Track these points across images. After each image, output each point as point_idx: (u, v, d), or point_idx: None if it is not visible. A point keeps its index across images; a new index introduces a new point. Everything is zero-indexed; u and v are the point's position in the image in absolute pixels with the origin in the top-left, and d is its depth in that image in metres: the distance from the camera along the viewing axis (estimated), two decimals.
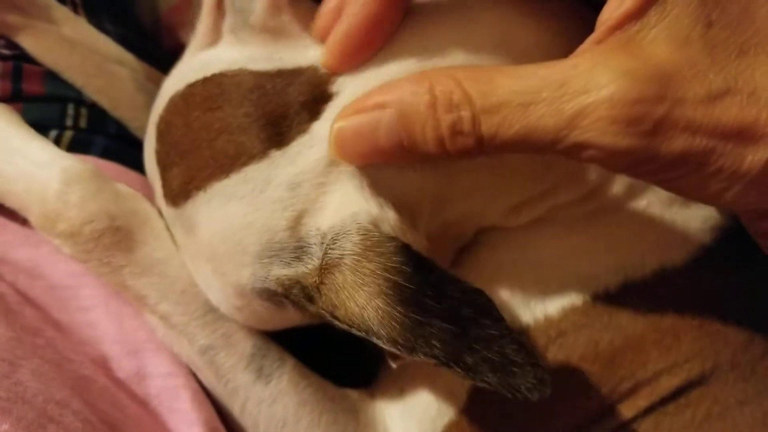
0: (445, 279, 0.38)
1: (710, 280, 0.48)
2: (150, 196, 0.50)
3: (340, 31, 0.41)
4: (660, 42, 0.37)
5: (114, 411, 0.44)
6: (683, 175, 0.38)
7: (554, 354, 0.48)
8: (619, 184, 0.47)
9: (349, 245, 0.39)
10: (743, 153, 0.36)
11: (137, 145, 0.61)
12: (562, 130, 0.36)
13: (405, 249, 0.39)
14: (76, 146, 0.56)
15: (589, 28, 0.39)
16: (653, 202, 0.48)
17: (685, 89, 0.36)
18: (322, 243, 0.41)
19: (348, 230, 0.40)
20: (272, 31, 0.43)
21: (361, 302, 0.38)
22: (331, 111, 0.42)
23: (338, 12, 0.41)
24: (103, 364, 0.47)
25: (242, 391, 0.49)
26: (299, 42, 0.44)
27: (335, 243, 0.40)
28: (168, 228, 0.49)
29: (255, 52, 0.44)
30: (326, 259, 0.40)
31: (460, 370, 0.37)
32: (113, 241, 0.47)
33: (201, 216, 0.43)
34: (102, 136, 0.59)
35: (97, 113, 0.60)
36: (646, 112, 0.35)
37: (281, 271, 0.42)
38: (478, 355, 0.36)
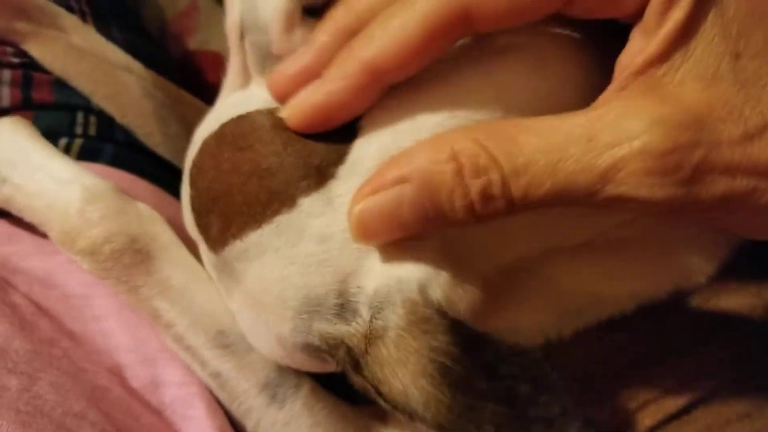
0: (500, 356, 0.35)
1: (722, 301, 0.48)
2: (163, 208, 0.50)
3: (313, 98, 0.38)
4: (688, 83, 0.35)
5: (130, 420, 0.44)
6: (727, 215, 0.36)
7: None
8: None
9: (393, 318, 0.36)
10: None
11: (145, 153, 0.62)
12: (596, 185, 0.35)
13: (454, 327, 0.36)
14: (85, 154, 0.56)
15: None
16: (675, 228, 0.47)
17: (720, 131, 0.35)
18: (369, 305, 0.38)
19: (392, 300, 0.37)
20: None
21: (405, 381, 0.35)
22: (356, 151, 0.39)
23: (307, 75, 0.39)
24: (117, 373, 0.47)
25: (255, 413, 0.48)
26: None
27: (380, 312, 0.37)
28: (208, 270, 0.47)
29: None
30: (371, 326, 0.37)
31: None
32: (133, 262, 0.47)
33: (242, 264, 0.41)
34: (111, 144, 0.59)
35: (106, 121, 0.61)
36: (682, 160, 0.34)
37: (324, 328, 0.39)
38: (534, 429, 0.34)
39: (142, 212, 0.49)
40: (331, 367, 0.41)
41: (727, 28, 0.35)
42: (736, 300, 0.49)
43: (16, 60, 0.58)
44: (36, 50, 0.59)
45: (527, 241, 0.43)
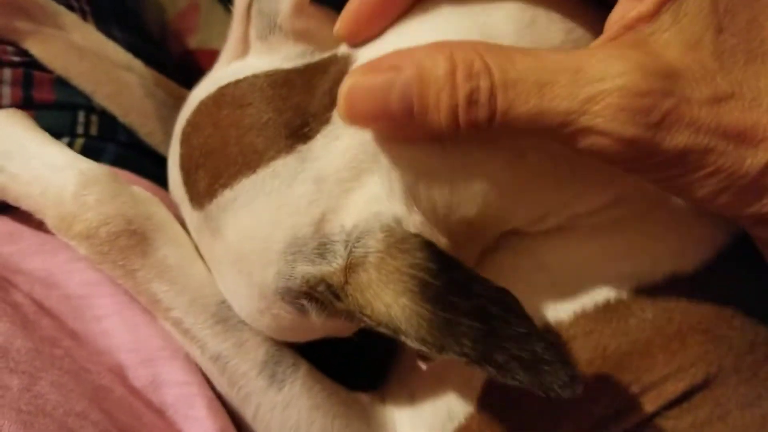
0: (471, 277, 0.38)
1: (719, 287, 0.49)
2: (163, 201, 0.50)
3: (354, 1, 0.42)
4: (672, 44, 0.38)
5: (131, 420, 0.44)
6: (682, 174, 0.38)
7: None
8: (639, 194, 0.47)
9: (373, 242, 0.39)
10: (743, 155, 0.37)
11: (148, 153, 0.62)
12: (573, 114, 0.37)
13: (429, 246, 0.39)
14: (87, 153, 0.56)
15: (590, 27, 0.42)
16: (670, 211, 0.48)
17: (692, 88, 0.37)
18: (347, 241, 0.40)
19: (371, 228, 0.40)
20: (299, 34, 0.44)
21: (387, 301, 0.38)
22: None
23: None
24: (119, 373, 0.47)
25: (255, 397, 0.49)
26: (326, 41, 0.44)
27: (359, 241, 0.40)
28: (189, 234, 0.49)
29: (286, 52, 0.44)
30: (351, 257, 0.40)
31: (492, 369, 0.36)
32: (128, 244, 0.47)
33: (227, 215, 0.43)
34: (113, 144, 0.59)
35: (108, 120, 0.61)
36: (654, 105, 0.36)
37: (306, 269, 0.41)
38: (508, 353, 0.36)
39: (137, 194, 0.49)
40: (309, 321, 0.43)
41: (716, 4, 0.38)
42: (732, 286, 0.49)
43: (16, 59, 0.58)
44: (37, 49, 0.58)
45: (496, 203, 0.44)
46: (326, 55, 0.44)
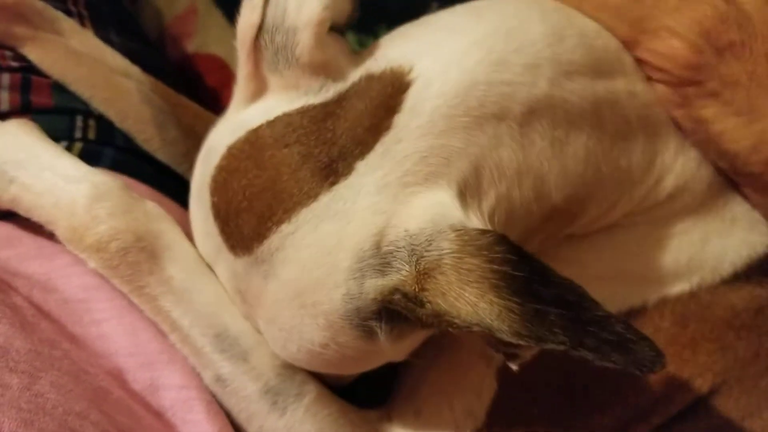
0: (545, 266, 0.38)
1: (732, 299, 0.49)
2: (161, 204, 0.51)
3: None
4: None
5: (131, 422, 0.45)
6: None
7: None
8: (681, 201, 0.49)
9: (446, 244, 0.38)
10: None
11: (145, 157, 0.62)
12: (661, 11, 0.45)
13: (505, 239, 0.38)
14: (85, 158, 0.56)
15: None
16: (710, 219, 0.50)
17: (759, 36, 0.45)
18: (413, 246, 0.39)
19: (441, 229, 0.39)
20: (317, 66, 0.43)
21: (472, 300, 0.37)
22: (412, 103, 0.41)
23: None
24: (117, 376, 0.47)
25: (256, 420, 0.48)
26: (341, 69, 0.44)
27: (430, 245, 0.39)
28: (224, 280, 0.48)
29: (307, 87, 0.44)
30: (423, 263, 0.39)
31: (588, 353, 0.36)
32: (137, 260, 0.47)
33: (285, 252, 0.42)
34: (111, 148, 0.59)
35: (105, 125, 0.61)
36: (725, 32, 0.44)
37: (376, 282, 0.40)
38: (596, 336, 0.36)
39: (149, 210, 0.49)
40: (376, 345, 0.42)
41: None
42: (745, 299, 0.50)
43: (15, 64, 0.58)
44: (35, 54, 0.59)
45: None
46: (355, 79, 0.43)
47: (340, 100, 0.43)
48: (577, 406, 0.48)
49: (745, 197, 0.50)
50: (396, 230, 0.40)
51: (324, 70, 0.43)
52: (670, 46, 0.44)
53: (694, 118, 0.46)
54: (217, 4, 0.77)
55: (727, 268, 0.49)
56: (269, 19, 0.43)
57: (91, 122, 0.60)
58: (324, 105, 0.43)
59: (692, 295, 0.49)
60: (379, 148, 0.41)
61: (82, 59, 0.60)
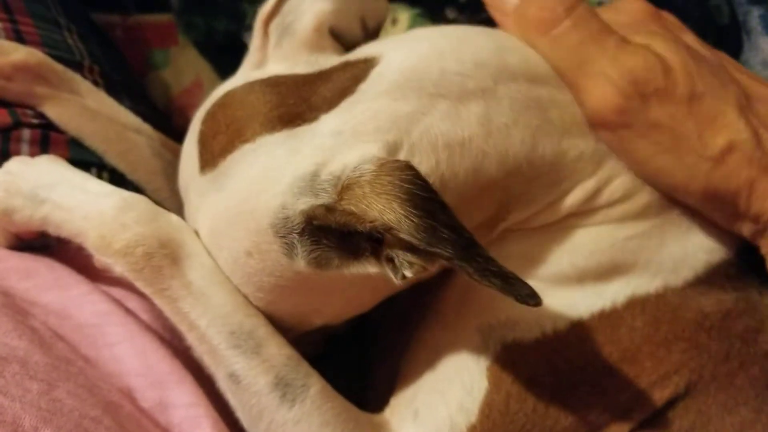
0: (446, 205, 0.43)
1: (701, 302, 0.52)
2: None
3: None
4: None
5: None
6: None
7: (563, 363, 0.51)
8: (635, 204, 0.53)
9: (368, 167, 0.44)
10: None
11: None
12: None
13: (418, 171, 0.43)
14: None
15: None
16: (666, 226, 0.53)
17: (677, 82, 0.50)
18: (344, 174, 0.45)
19: (367, 159, 0.45)
20: (311, 45, 0.54)
21: (379, 207, 0.42)
22: (375, 76, 0.49)
23: None
24: (128, 394, 0.49)
25: (267, 414, 0.50)
26: (331, 57, 0.54)
27: (355, 170, 0.44)
28: (188, 198, 0.55)
29: (298, 60, 0.53)
30: (346, 181, 0.44)
31: (471, 270, 0.41)
32: (161, 264, 0.50)
33: (242, 165, 0.49)
34: None
35: (118, 176, 0.65)
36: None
37: (308, 200, 0.45)
38: (482, 265, 0.42)
39: (173, 221, 0.52)
40: (296, 264, 0.47)
41: None
42: (715, 299, 0.52)
43: (35, 121, 0.63)
44: (53, 112, 0.64)
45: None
46: (335, 63, 0.53)
47: (320, 74, 0.52)
48: (564, 402, 0.51)
49: None
50: (336, 164, 0.45)
51: (315, 51, 0.53)
52: (603, 91, 0.50)
53: (633, 160, 0.52)
54: (221, 77, 0.82)
55: (688, 271, 0.52)
56: (286, 7, 0.54)
57: (105, 174, 0.64)
58: (306, 75, 0.52)
59: (660, 296, 0.52)
60: (343, 105, 0.49)
61: (96, 117, 0.65)
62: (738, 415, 0.52)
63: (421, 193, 0.42)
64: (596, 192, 0.52)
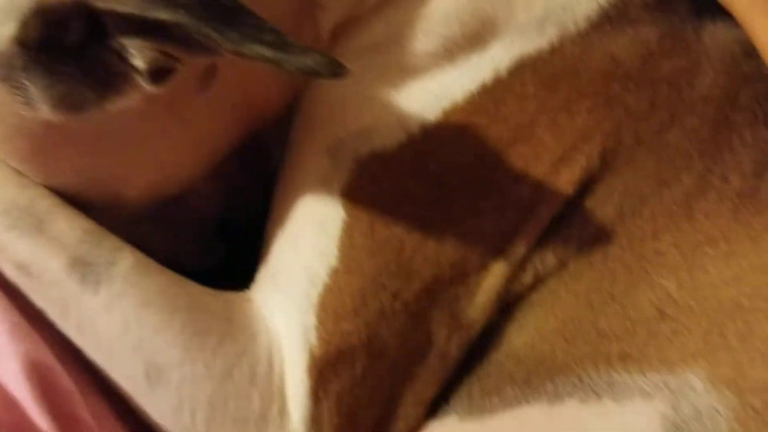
0: None
1: (610, 48, 0.42)
2: None
3: None
4: None
5: None
6: None
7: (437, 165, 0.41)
8: None
9: None
10: None
11: None
12: None
13: None
14: None
15: None
16: None
17: None
18: None
19: None
20: None
21: None
22: None
23: None
24: None
25: (72, 306, 0.41)
26: None
27: None
28: None
29: None
30: None
31: (222, 37, 0.31)
32: None
33: None
34: None
35: None
36: None
37: (12, 26, 0.35)
38: (247, 33, 0.31)
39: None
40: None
41: None
42: (626, 39, 0.42)
43: None
44: None
45: None
46: None
47: None
48: (448, 215, 0.41)
49: None
50: None
51: None
52: None
53: None
54: None
55: (587, 9, 0.42)
56: None
57: None
58: None
59: (555, 50, 0.41)
60: None
61: None
62: (680, 185, 0.41)
63: None
64: None
